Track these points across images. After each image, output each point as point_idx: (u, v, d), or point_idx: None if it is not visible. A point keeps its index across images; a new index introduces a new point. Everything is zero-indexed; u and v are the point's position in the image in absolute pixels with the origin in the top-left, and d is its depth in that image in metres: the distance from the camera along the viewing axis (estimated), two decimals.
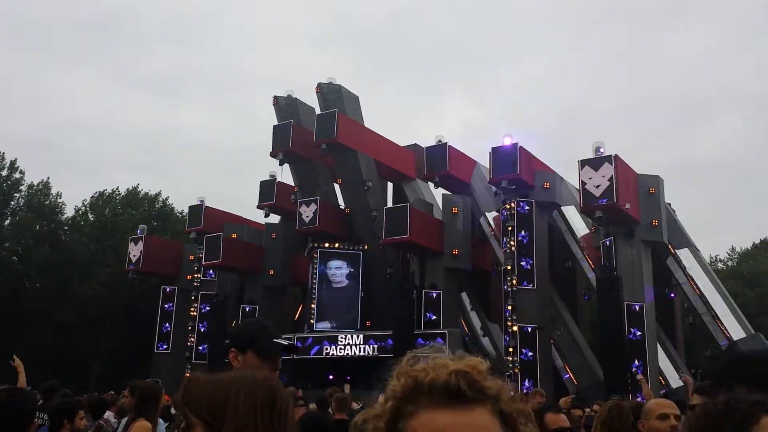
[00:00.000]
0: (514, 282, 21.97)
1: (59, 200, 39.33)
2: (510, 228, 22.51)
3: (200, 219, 29.97)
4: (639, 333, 20.39)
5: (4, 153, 37.67)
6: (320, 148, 25.87)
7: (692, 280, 22.29)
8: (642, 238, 21.82)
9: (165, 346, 29.92)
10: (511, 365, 21.22)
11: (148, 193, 42.72)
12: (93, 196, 41.67)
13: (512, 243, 22.38)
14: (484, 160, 25.89)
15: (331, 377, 21.29)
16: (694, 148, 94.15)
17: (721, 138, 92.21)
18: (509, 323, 21.74)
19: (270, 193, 28.58)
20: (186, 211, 33.71)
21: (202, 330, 28.70)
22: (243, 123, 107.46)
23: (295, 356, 20.59)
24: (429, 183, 27.91)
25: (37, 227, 37.11)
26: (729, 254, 48.69)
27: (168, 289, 30.62)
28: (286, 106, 29.22)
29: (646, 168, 23.04)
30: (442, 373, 1.01)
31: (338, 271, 27.12)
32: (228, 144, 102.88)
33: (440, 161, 25.89)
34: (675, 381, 20.59)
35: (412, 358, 1.11)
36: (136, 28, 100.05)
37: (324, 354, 24.01)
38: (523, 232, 22.44)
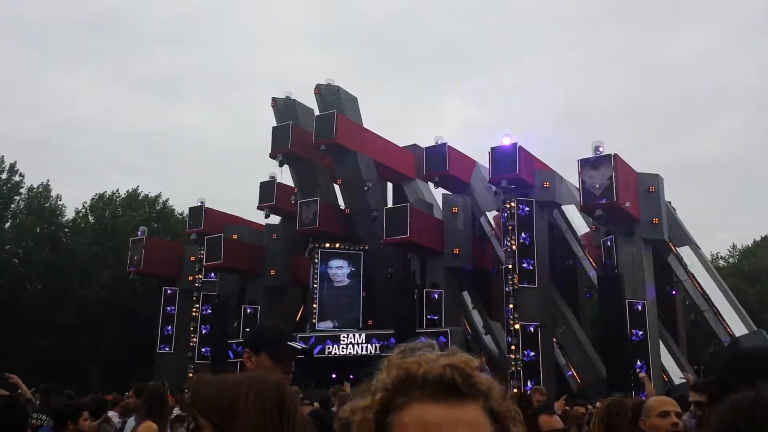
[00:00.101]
0: (515, 281, 21.99)
1: (59, 203, 39.38)
2: (510, 227, 22.53)
3: (201, 220, 29.98)
4: (641, 333, 20.38)
5: (3, 156, 37.76)
6: (319, 149, 25.89)
7: (693, 277, 22.29)
8: (642, 236, 21.84)
9: (167, 347, 29.93)
10: (513, 363, 21.23)
11: (148, 194, 42.73)
12: (93, 198, 41.70)
13: (513, 242, 22.40)
14: (483, 159, 25.93)
15: (333, 376, 21.30)
16: (694, 148, 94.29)
17: (721, 137, 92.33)
18: (511, 321, 21.75)
19: (270, 194, 28.61)
20: (186, 212, 33.74)
21: (203, 331, 28.71)
22: (243, 124, 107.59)
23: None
24: (429, 183, 27.92)
25: (38, 230, 37.11)
26: (730, 251, 48.74)
27: (169, 291, 30.62)
28: (284, 107, 29.25)
29: (646, 168, 23.03)
30: (435, 366, 1.00)
31: (339, 270, 27.14)
32: (228, 145, 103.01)
33: (440, 161, 25.91)
34: (677, 378, 20.61)
35: (402, 351, 1.09)
36: (136, 28, 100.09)
37: (327, 353, 24.03)
38: (523, 234, 22.45)
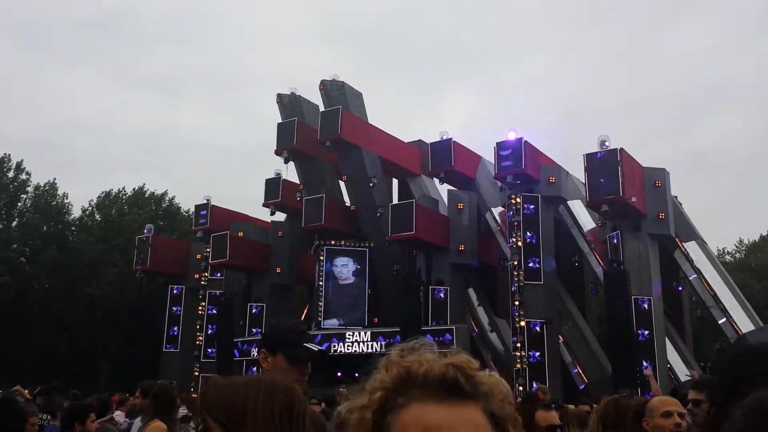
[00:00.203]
0: (521, 277, 21.95)
1: (66, 201, 39.54)
2: (516, 223, 22.48)
3: (206, 218, 30.02)
4: (647, 332, 20.31)
5: (10, 154, 37.92)
6: (325, 146, 25.87)
7: (700, 273, 22.21)
8: (649, 231, 21.76)
9: (173, 346, 30.04)
10: (519, 360, 21.21)
11: (154, 192, 42.87)
12: (99, 197, 41.87)
13: (518, 238, 22.34)
14: (488, 155, 25.89)
15: (339, 374, 21.33)
16: (695, 147, 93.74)
17: (723, 136, 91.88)
18: (517, 318, 21.71)
19: (275, 191, 28.63)
20: (192, 210, 33.82)
21: (209, 329, 28.79)
22: (246, 122, 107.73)
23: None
24: (434, 179, 27.89)
25: (45, 228, 37.28)
26: (737, 246, 48.53)
27: (175, 289, 30.71)
28: (289, 103, 29.24)
29: (650, 163, 22.90)
30: (436, 365, 0.97)
31: (344, 268, 27.14)
32: (231, 143, 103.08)
33: (445, 157, 25.84)
34: (683, 375, 20.55)
35: (401, 350, 1.05)
36: (137, 27, 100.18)
37: (332, 351, 24.06)
38: (529, 233, 22.40)
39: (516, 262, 22.22)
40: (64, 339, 33.87)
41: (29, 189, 38.19)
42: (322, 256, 26.98)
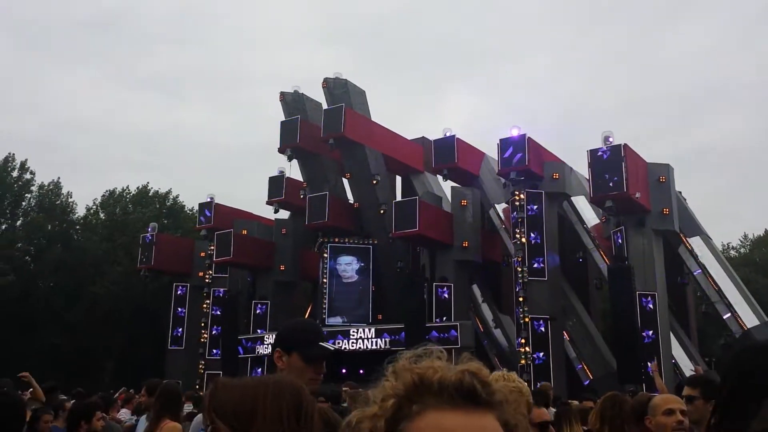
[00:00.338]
0: (525, 274, 21.93)
1: (70, 200, 39.66)
2: (520, 219, 22.46)
3: (210, 216, 30.10)
4: (652, 333, 20.27)
5: (14, 154, 38.04)
6: (328, 143, 25.88)
7: (704, 268, 22.16)
8: (653, 227, 21.72)
9: (178, 343, 30.12)
10: (523, 357, 21.21)
11: (158, 191, 42.98)
12: (104, 196, 41.97)
13: (522, 234, 22.31)
14: (490, 152, 25.86)
15: (343, 371, 21.35)
16: (696, 146, 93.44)
17: (723, 135, 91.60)
18: (521, 315, 21.69)
19: (279, 188, 28.65)
20: (196, 208, 33.88)
21: (214, 327, 28.85)
22: (247, 121, 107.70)
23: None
24: (437, 176, 27.87)
25: (49, 227, 37.39)
26: (741, 241, 48.38)
27: (180, 287, 30.78)
28: (292, 101, 29.23)
29: (653, 159, 22.86)
30: (451, 371, 0.95)
31: (348, 266, 27.15)
32: (232, 142, 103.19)
33: (448, 154, 25.79)
34: (689, 370, 20.53)
35: (411, 357, 1.02)
36: (137, 27, 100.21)
37: (336, 348, 24.10)
38: (533, 228, 22.36)
39: (520, 259, 22.21)
40: (69, 337, 33.98)
41: (33, 188, 38.34)
42: (326, 253, 27.00)
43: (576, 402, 9.01)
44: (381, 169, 27.23)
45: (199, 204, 31.52)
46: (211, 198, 30.70)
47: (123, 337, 34.68)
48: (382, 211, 26.45)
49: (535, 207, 22.59)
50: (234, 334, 26.85)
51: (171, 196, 43.31)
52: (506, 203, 24.53)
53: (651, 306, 20.49)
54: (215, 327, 28.64)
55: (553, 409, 6.54)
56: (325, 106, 27.57)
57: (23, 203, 38.00)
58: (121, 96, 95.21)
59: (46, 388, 8.96)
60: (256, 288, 29.43)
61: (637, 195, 20.82)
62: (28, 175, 37.96)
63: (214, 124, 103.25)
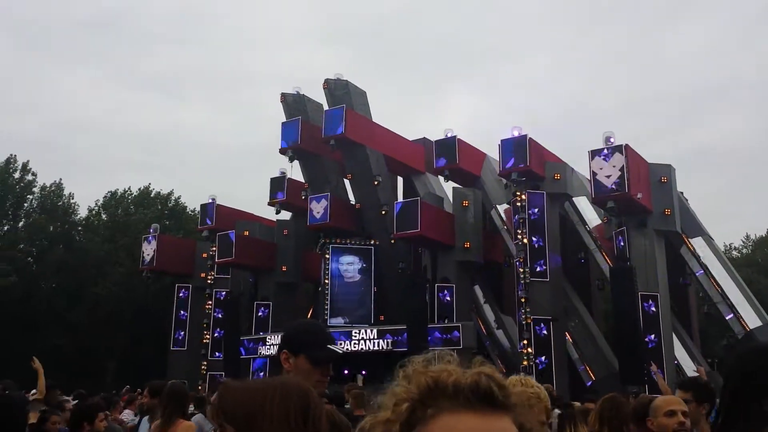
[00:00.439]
0: (527, 274, 21.92)
1: (72, 201, 39.70)
2: (521, 220, 22.46)
3: (212, 217, 30.13)
4: (654, 337, 20.24)
5: (15, 155, 38.09)
6: (329, 144, 25.89)
7: (707, 268, 22.14)
8: (655, 227, 21.70)
9: (180, 344, 30.16)
10: (525, 357, 21.19)
11: (160, 192, 43.03)
12: (105, 197, 42.03)
13: (523, 235, 22.31)
14: (491, 153, 25.86)
15: (346, 372, 21.36)
16: (696, 146, 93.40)
17: (723, 135, 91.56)
18: (523, 316, 21.66)
19: (280, 189, 28.70)
20: (198, 209, 33.90)
21: (216, 330, 28.87)
22: (248, 121, 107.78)
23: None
24: (439, 176, 27.88)
25: (51, 228, 37.44)
26: (743, 242, 48.31)
27: (182, 289, 30.82)
28: (293, 102, 29.24)
29: (654, 159, 22.85)
30: (467, 374, 0.93)
31: (350, 266, 27.17)
32: (233, 142, 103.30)
33: (449, 154, 25.81)
34: (691, 371, 20.51)
35: (423, 360, 1.00)
36: (137, 27, 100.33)
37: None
38: (534, 237, 22.35)
39: (522, 259, 22.19)
40: (71, 338, 34.02)
41: (35, 189, 38.39)
42: (328, 254, 27.01)
43: (578, 404, 9.00)
44: (382, 170, 27.24)
45: (201, 205, 31.57)
46: (213, 199, 30.74)
47: (125, 337, 34.73)
48: (383, 212, 26.45)
49: (537, 210, 22.57)
50: (236, 335, 26.86)
51: (173, 198, 43.38)
52: (508, 204, 24.53)
53: (653, 309, 20.45)
54: (217, 330, 28.65)
55: (557, 411, 6.53)
56: (326, 107, 27.58)
57: (25, 204, 38.06)
58: (121, 96, 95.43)
59: (50, 386, 8.99)
60: (257, 289, 29.46)
61: (639, 195, 20.81)
62: (30, 177, 38.04)
63: (215, 123, 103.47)
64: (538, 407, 2.67)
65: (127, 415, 9.48)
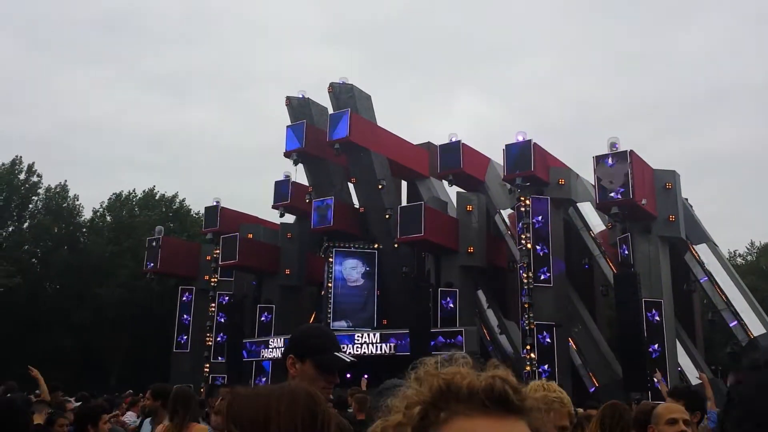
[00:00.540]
0: (531, 279, 21.89)
1: (77, 203, 39.84)
2: (525, 225, 22.44)
3: (216, 220, 30.19)
4: (658, 347, 20.16)
5: (21, 157, 38.25)
6: (334, 148, 25.95)
7: (711, 275, 22.09)
8: (659, 234, 21.67)
9: (183, 347, 30.21)
10: (528, 363, 21.15)
11: (164, 194, 43.15)
12: (110, 198, 42.15)
13: (527, 240, 22.29)
14: (496, 157, 25.86)
15: (348, 376, 21.32)
16: (703, 149, 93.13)
17: (730, 139, 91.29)
18: (527, 323, 21.61)
19: (285, 193, 28.76)
20: (202, 211, 33.99)
21: (219, 335, 28.87)
22: (254, 123, 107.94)
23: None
24: (443, 181, 27.89)
25: (56, 230, 37.55)
26: (748, 249, 48.17)
27: (186, 294, 30.88)
28: (298, 106, 29.32)
29: (659, 163, 22.87)
30: (481, 377, 0.91)
31: (354, 270, 27.18)
32: (239, 143, 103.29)
33: (454, 159, 25.82)
34: (695, 378, 20.43)
35: (436, 362, 0.98)
36: (143, 28, 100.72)
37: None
38: (538, 245, 22.33)
39: (525, 264, 22.17)
40: (75, 339, 34.09)
41: (40, 191, 38.55)
42: (331, 257, 27.03)
43: (581, 410, 8.98)
44: (386, 174, 27.28)
45: (206, 208, 31.64)
46: (217, 202, 30.82)
47: (128, 339, 34.80)
48: (387, 216, 26.47)
49: (541, 218, 22.54)
50: (239, 337, 26.88)
51: (177, 200, 43.52)
52: (512, 209, 24.52)
53: (657, 318, 20.35)
54: (220, 335, 28.67)
55: None
56: (330, 110, 27.65)
57: (30, 206, 38.21)
58: (127, 96, 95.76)
59: (52, 386, 9.01)
60: (261, 292, 29.48)
61: (644, 202, 20.78)
62: (35, 178, 38.19)
63: (220, 124, 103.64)
64: (560, 412, 2.66)
65: (130, 417, 9.50)
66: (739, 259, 46.13)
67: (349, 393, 8.74)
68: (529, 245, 22.26)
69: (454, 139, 26.24)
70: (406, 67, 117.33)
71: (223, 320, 28.88)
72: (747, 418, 1.48)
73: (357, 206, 28.82)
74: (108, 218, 41.06)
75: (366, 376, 19.50)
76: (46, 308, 34.66)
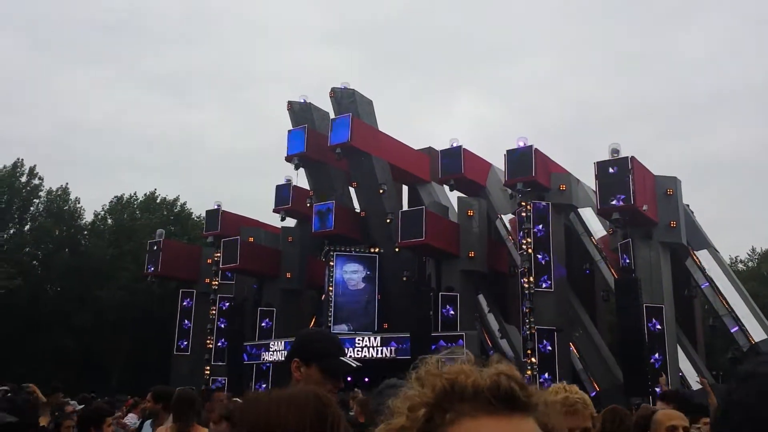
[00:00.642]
0: (532, 284, 21.89)
1: (78, 205, 39.88)
2: (526, 230, 22.46)
3: (217, 223, 30.22)
4: (659, 356, 20.14)
5: (23, 159, 38.32)
6: (335, 152, 25.99)
7: (712, 281, 22.09)
8: (660, 239, 21.68)
9: (184, 350, 30.20)
10: (529, 367, 21.13)
11: (165, 197, 43.20)
12: (111, 201, 42.20)
13: (528, 243, 22.30)
14: (497, 161, 25.92)
15: (349, 379, 21.31)
16: (705, 154, 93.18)
17: (731, 142, 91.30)
18: (528, 328, 21.60)
19: (286, 197, 28.79)
20: (203, 215, 34.02)
21: (220, 341, 28.85)
22: (255, 125, 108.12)
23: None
24: (444, 186, 27.90)
25: (57, 232, 37.59)
26: (749, 255, 48.14)
27: (186, 296, 30.88)
28: (300, 110, 29.39)
29: (660, 168, 22.90)
30: (485, 375, 0.88)
31: (354, 274, 27.17)
32: (240, 144, 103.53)
33: (455, 164, 25.87)
34: (695, 382, 20.42)
35: (437, 361, 0.95)
36: (144, 28, 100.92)
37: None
38: (539, 254, 22.34)
39: (526, 269, 22.17)
40: (76, 341, 34.08)
41: (42, 194, 38.58)
42: (332, 261, 27.04)
43: None
44: (387, 179, 27.31)
45: (206, 211, 31.68)
46: (218, 205, 30.85)
47: (129, 341, 34.78)
48: (388, 220, 26.49)
49: (542, 227, 22.54)
50: (239, 340, 26.87)
51: (178, 203, 43.56)
52: (513, 214, 24.53)
53: (659, 327, 20.31)
54: (221, 340, 28.65)
55: None
56: (332, 115, 27.71)
57: (31, 208, 38.24)
58: (127, 97, 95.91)
59: (53, 388, 9.03)
60: (262, 295, 29.48)
61: (645, 207, 20.80)
62: (36, 181, 38.23)
63: (221, 125, 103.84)
64: (583, 413, 2.63)
65: (131, 419, 9.52)
66: (740, 265, 46.09)
67: (351, 396, 8.75)
68: (530, 250, 22.27)
69: (455, 144, 26.29)
70: (406, 67, 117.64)
71: (223, 326, 28.88)
72: (746, 425, 1.47)
73: (358, 210, 28.85)
74: (109, 221, 41.09)
75: (366, 379, 19.47)
76: (46, 310, 34.66)
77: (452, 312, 24.26)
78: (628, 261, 21.51)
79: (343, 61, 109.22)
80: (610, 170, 20.88)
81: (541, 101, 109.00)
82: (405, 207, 28.38)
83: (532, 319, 21.53)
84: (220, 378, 27.04)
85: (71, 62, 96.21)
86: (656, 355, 20.17)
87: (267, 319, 28.00)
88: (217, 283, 29.64)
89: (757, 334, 20.89)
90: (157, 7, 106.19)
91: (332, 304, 26.57)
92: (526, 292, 21.89)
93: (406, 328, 23.79)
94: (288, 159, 27.86)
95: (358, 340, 24.16)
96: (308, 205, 27.91)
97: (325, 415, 1.43)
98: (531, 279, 21.97)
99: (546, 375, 21.05)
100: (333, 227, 26.62)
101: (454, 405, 0.86)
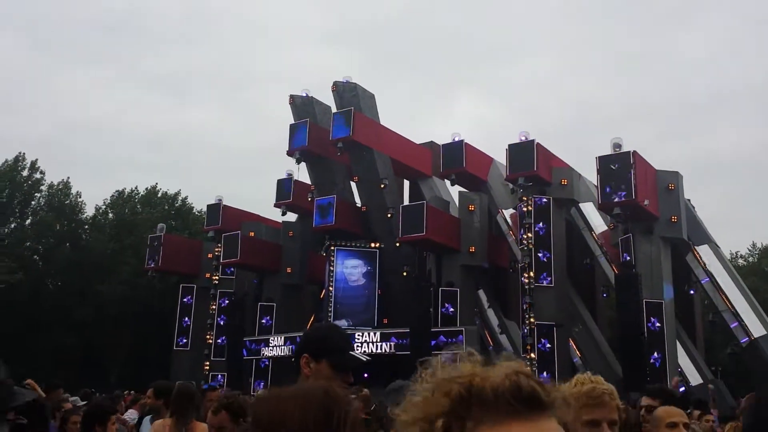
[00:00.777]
0: (532, 279, 21.88)
1: (79, 200, 39.88)
2: (527, 225, 22.43)
3: (218, 218, 30.21)
4: (659, 355, 20.12)
5: (24, 153, 38.32)
6: (336, 147, 25.95)
7: (712, 276, 22.07)
8: (661, 234, 21.65)
9: (184, 344, 30.22)
10: (529, 363, 21.14)
11: (166, 192, 43.19)
12: (113, 196, 42.18)
13: (529, 239, 22.27)
14: (498, 158, 25.85)
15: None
16: (705, 151, 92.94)
17: (732, 141, 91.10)
18: (527, 323, 21.60)
19: (287, 191, 28.75)
20: (204, 209, 34.00)
21: (220, 338, 28.85)
22: (256, 122, 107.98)
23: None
24: (445, 180, 27.86)
25: (58, 227, 37.60)
26: (750, 250, 48.08)
27: (186, 293, 30.88)
28: (302, 104, 29.34)
29: (660, 166, 22.79)
30: (500, 376, 0.82)
31: (355, 269, 27.17)
32: (240, 144, 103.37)
33: (457, 158, 25.81)
34: (695, 379, 20.46)
35: (444, 365, 0.88)
36: (145, 27, 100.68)
37: None
38: (540, 252, 22.30)
39: (526, 264, 22.15)
40: (76, 336, 34.14)
41: (43, 188, 38.59)
42: (333, 256, 27.03)
43: None
44: (389, 173, 27.27)
45: (208, 206, 31.66)
46: (219, 200, 30.84)
47: (130, 336, 34.83)
48: (389, 215, 26.47)
49: (543, 224, 22.48)
50: (239, 335, 26.89)
51: (179, 198, 43.54)
52: (514, 209, 24.50)
53: (658, 325, 20.27)
54: (221, 338, 28.64)
55: None
56: (334, 109, 27.64)
57: (33, 202, 38.26)
58: (128, 96, 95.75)
59: (53, 384, 9.02)
60: (262, 290, 29.49)
61: (646, 203, 20.76)
62: (38, 175, 38.24)
63: (222, 123, 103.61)
64: (610, 405, 2.57)
65: (131, 415, 9.51)
66: (740, 261, 46.05)
67: (353, 391, 8.74)
68: (530, 245, 22.25)
69: (456, 139, 26.22)
70: (406, 67, 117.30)
71: (223, 322, 28.88)
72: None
73: (359, 205, 28.82)
74: (110, 215, 41.11)
75: (366, 375, 19.48)
76: (47, 305, 34.71)
77: (452, 307, 24.25)
78: (628, 257, 21.49)
79: (343, 61, 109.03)
80: (612, 164, 20.83)
81: (541, 101, 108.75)
82: (406, 202, 28.35)
83: (531, 315, 21.52)
84: (220, 373, 27.06)
85: (71, 62, 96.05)
86: (656, 354, 20.15)
87: (267, 314, 28.02)
88: (217, 278, 29.63)
89: (756, 329, 20.87)
90: (157, 7, 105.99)
91: (332, 299, 26.58)
92: (526, 287, 21.88)
93: (406, 323, 23.79)
94: (289, 153, 27.83)
95: (358, 335, 24.16)
96: (309, 199, 27.88)
97: (332, 411, 1.40)
98: (531, 274, 21.95)
99: (545, 374, 21.03)
100: (334, 222, 26.60)
101: (472, 412, 0.80)
